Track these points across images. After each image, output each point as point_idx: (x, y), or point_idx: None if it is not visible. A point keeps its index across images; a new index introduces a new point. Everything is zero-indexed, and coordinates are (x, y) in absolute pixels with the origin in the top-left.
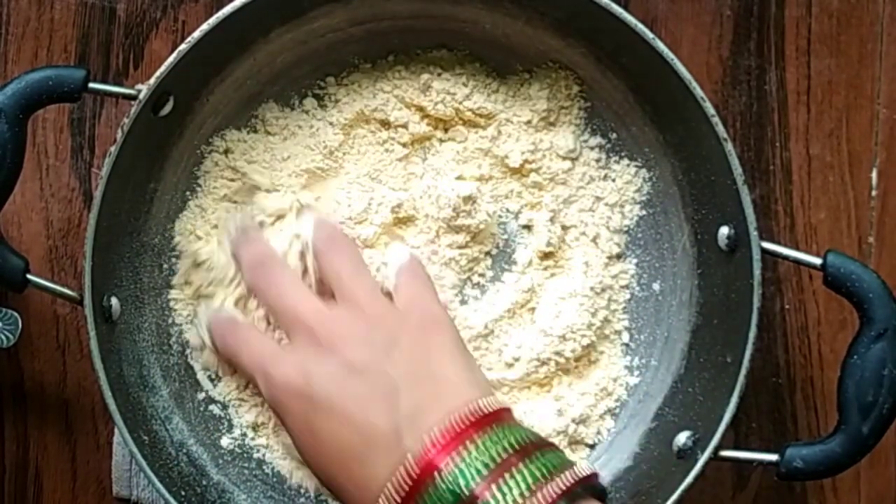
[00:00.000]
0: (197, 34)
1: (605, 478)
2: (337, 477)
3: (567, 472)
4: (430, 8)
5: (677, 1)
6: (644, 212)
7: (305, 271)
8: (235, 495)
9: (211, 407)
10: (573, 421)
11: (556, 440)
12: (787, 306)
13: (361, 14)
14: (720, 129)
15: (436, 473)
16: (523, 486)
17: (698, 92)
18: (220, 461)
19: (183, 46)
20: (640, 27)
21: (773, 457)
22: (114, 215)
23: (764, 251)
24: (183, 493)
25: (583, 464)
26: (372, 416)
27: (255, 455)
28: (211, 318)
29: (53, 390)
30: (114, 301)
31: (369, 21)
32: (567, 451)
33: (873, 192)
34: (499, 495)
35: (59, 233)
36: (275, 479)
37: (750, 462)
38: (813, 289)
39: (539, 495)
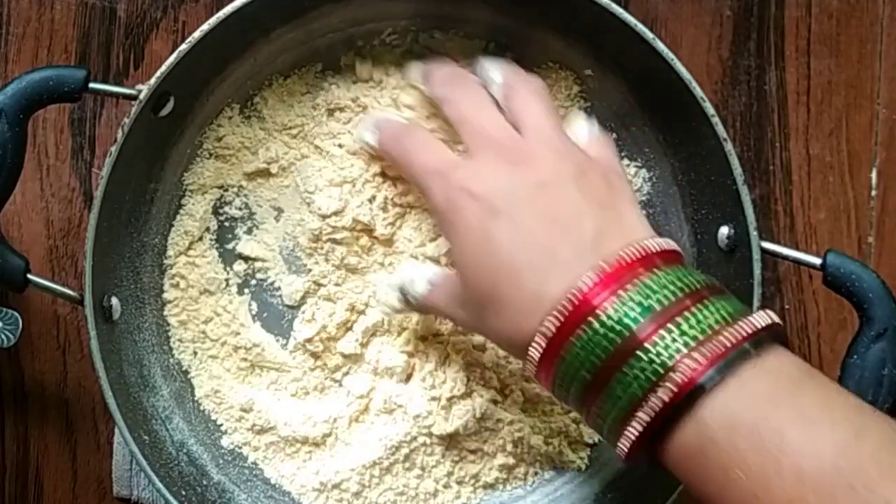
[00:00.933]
0: (197, 34)
1: (606, 477)
2: (501, 287)
3: (747, 319)
4: (430, 8)
5: (677, 1)
6: (644, 212)
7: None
8: (236, 495)
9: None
10: (573, 421)
11: (554, 440)
12: (786, 306)
13: (361, 14)
14: (720, 129)
15: (606, 303)
16: (696, 329)
17: (698, 92)
18: (221, 461)
19: (183, 46)
20: (640, 27)
21: None
22: (114, 215)
23: (764, 251)
24: (183, 492)
25: (764, 312)
26: (555, 232)
27: (254, 456)
28: (381, 119)
29: (54, 390)
30: (114, 301)
31: (369, 21)
32: (567, 451)
33: (873, 192)
34: (667, 337)
35: (59, 233)
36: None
37: None
38: (813, 289)
39: (716, 340)
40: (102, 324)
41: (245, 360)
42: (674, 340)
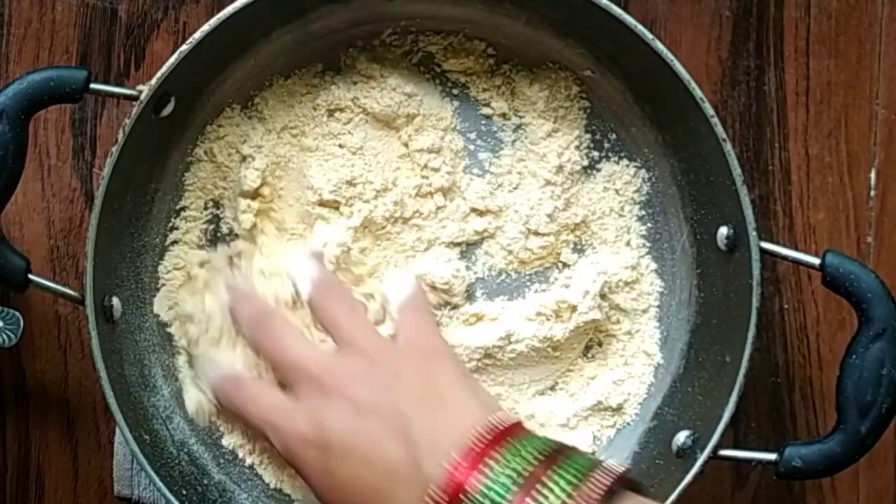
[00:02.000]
0: (198, 35)
1: None
2: None
3: (600, 472)
4: (430, 9)
5: (677, 2)
6: (643, 212)
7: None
8: (236, 494)
9: None
10: (574, 416)
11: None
12: (785, 306)
13: (362, 15)
14: (719, 129)
15: (463, 496)
16: (559, 492)
17: (698, 93)
18: (221, 460)
19: (184, 47)
20: (640, 28)
21: (772, 456)
22: (115, 215)
23: (763, 251)
24: (184, 492)
25: (611, 462)
26: (388, 451)
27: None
28: (214, 378)
29: (55, 390)
30: (115, 301)
31: (369, 22)
32: None
33: (872, 193)
34: None
35: (60, 233)
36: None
37: (749, 461)
38: (812, 289)
39: (578, 499)
40: (103, 323)
41: None
42: None
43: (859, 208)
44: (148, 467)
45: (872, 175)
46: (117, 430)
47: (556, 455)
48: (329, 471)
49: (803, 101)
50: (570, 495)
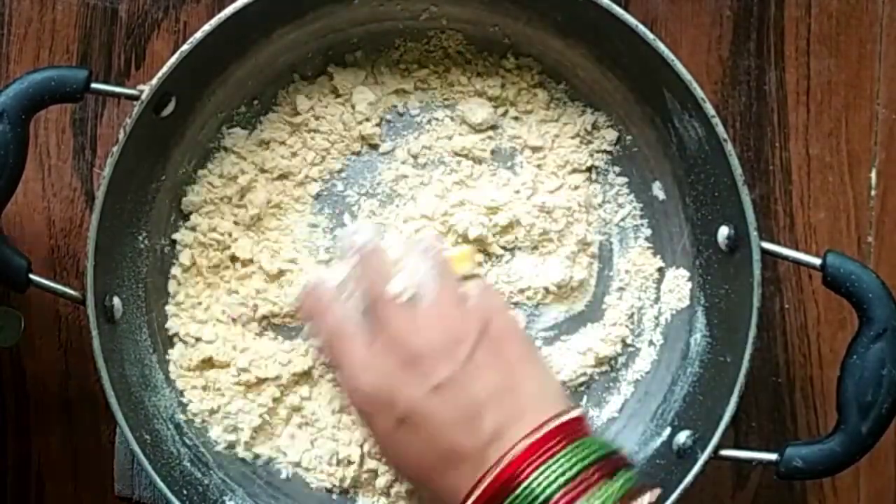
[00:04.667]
0: (199, 35)
1: None
2: (421, 481)
3: (647, 493)
4: (430, 9)
5: (677, 2)
6: (645, 212)
7: None
8: (237, 494)
9: None
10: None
11: None
12: (786, 306)
13: (362, 15)
14: (720, 129)
15: (517, 487)
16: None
17: (699, 93)
18: (222, 460)
19: (185, 47)
20: (641, 28)
21: (773, 456)
22: (116, 215)
23: (764, 251)
24: (185, 492)
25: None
26: (457, 438)
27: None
28: (304, 291)
29: (55, 390)
30: (116, 301)
31: (370, 22)
32: None
33: (872, 192)
34: None
35: (61, 233)
36: (276, 478)
37: (749, 461)
38: (812, 288)
39: None
40: (104, 323)
41: None
42: None
43: (860, 208)
44: (149, 467)
45: (873, 175)
46: (118, 430)
47: (610, 465)
48: (395, 436)
49: (804, 100)
50: None
